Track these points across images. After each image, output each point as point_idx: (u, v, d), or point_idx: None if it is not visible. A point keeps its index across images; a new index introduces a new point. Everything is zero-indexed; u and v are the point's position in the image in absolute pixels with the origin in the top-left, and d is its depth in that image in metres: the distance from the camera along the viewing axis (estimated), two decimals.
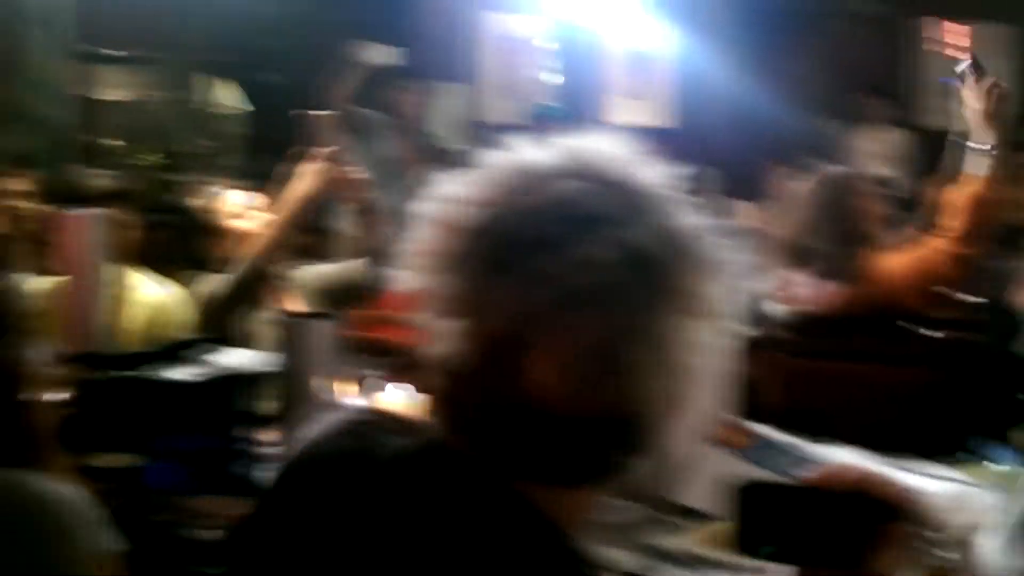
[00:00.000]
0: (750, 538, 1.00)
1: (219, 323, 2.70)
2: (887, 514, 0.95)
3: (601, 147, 0.90)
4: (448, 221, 0.88)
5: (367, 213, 2.81)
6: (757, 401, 2.25)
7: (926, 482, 1.85)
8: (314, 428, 1.00)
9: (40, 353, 1.41)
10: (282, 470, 0.99)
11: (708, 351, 0.86)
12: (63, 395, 1.74)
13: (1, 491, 1.25)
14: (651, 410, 0.85)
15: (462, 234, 0.87)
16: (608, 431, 0.86)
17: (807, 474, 1.01)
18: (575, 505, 0.90)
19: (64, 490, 1.28)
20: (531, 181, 0.88)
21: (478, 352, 0.85)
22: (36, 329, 1.41)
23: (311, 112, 2.74)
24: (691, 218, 0.88)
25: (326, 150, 2.67)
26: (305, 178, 2.67)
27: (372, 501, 0.89)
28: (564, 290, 0.82)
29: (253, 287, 2.68)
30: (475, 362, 0.85)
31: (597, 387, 0.83)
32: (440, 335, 0.86)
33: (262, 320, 2.79)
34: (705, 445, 1.84)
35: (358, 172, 2.73)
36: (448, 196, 0.89)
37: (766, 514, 0.99)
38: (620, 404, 0.84)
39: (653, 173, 0.90)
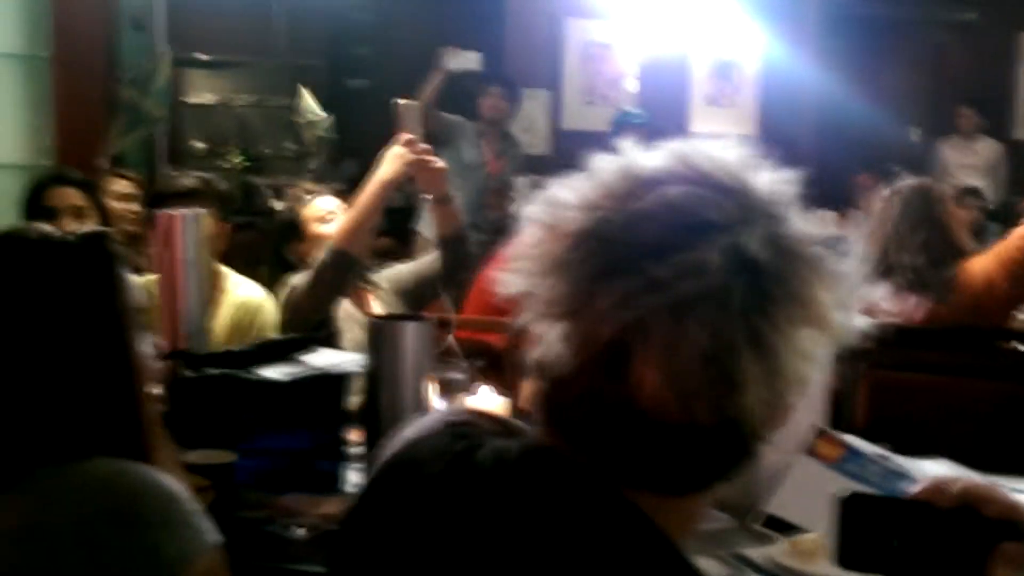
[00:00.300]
0: (851, 552, 0.98)
1: (303, 313, 2.72)
2: (1003, 531, 0.91)
3: (712, 152, 0.89)
4: (555, 224, 0.88)
5: (443, 204, 2.81)
6: (843, 413, 2.22)
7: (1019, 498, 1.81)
8: (412, 428, 1.01)
9: (149, 347, 1.44)
10: (381, 470, 0.99)
11: (816, 361, 0.85)
12: (160, 391, 1.77)
13: (109, 479, 1.28)
14: (758, 419, 0.84)
15: (569, 238, 0.86)
16: (715, 439, 0.85)
17: (909, 487, 0.98)
18: (681, 514, 0.89)
19: (170, 482, 1.31)
20: (640, 185, 0.87)
21: (582, 356, 0.84)
22: (145, 325, 1.45)
23: (399, 101, 2.75)
24: (803, 225, 0.87)
25: (408, 136, 2.68)
26: (385, 162, 2.68)
27: (475, 504, 0.89)
28: (671, 296, 0.81)
29: (335, 271, 2.69)
30: (578, 366, 0.85)
31: (703, 395, 0.82)
32: (543, 338, 0.86)
33: (349, 320, 2.82)
34: (796, 455, 1.82)
35: (438, 161, 2.73)
36: (555, 199, 0.89)
37: (869, 528, 0.97)
38: (727, 412, 0.83)
39: (765, 178, 0.88)
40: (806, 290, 0.84)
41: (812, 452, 1.82)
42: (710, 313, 0.81)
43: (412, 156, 2.66)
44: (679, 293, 0.81)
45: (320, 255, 2.73)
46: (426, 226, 5.09)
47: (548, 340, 0.86)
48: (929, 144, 7.06)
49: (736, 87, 7.01)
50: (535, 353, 0.87)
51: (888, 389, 2.77)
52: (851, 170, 6.11)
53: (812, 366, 0.85)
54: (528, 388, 2.24)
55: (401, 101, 2.75)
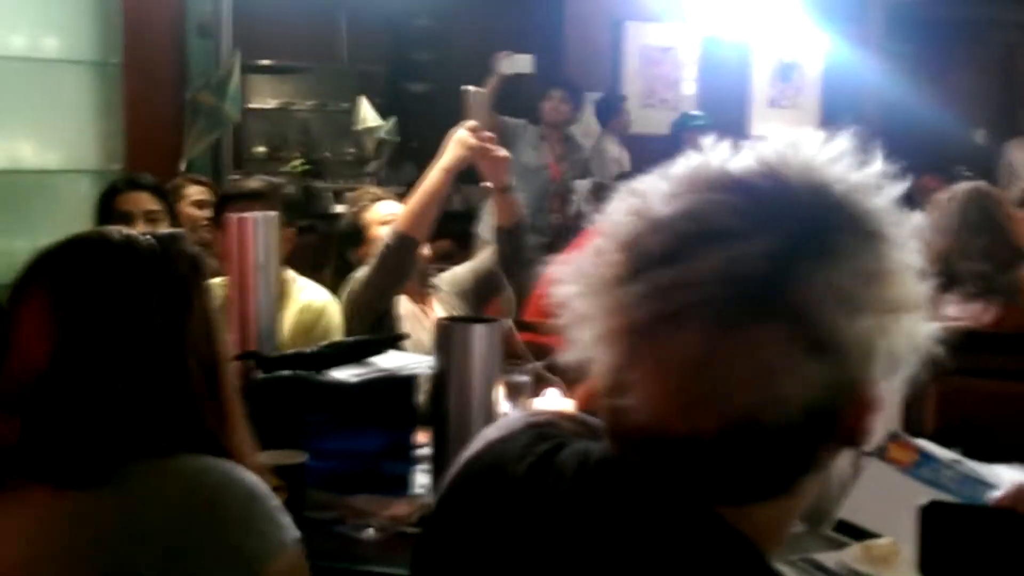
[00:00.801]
0: (934, 561, 0.97)
1: (366, 302, 2.73)
2: None
3: (793, 152, 0.88)
4: (600, 228, 0.89)
5: (504, 194, 2.80)
6: (914, 418, 2.20)
7: None
8: (493, 429, 1.01)
9: (228, 348, 1.47)
10: (463, 471, 0.99)
11: (823, 368, 0.81)
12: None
13: (194, 476, 1.31)
14: (778, 429, 0.82)
15: (603, 242, 0.88)
16: (734, 450, 0.84)
17: (986, 493, 0.97)
18: (757, 523, 0.88)
19: (252, 478, 1.33)
20: (674, 191, 0.87)
21: (597, 363, 0.86)
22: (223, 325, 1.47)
23: (468, 88, 2.76)
24: (835, 234, 0.83)
25: (473, 122, 2.68)
26: (449, 147, 2.69)
27: (559, 508, 0.89)
28: (663, 306, 0.82)
29: (398, 255, 2.70)
30: (602, 373, 0.86)
31: (698, 406, 0.82)
32: (574, 343, 0.87)
33: (414, 323, 2.83)
34: (866, 461, 1.81)
35: (501, 150, 2.73)
36: (605, 203, 0.90)
37: (952, 536, 0.96)
38: (730, 423, 0.82)
39: (844, 181, 0.86)
40: (807, 302, 0.81)
41: (885, 457, 1.80)
42: (697, 324, 0.81)
43: (476, 142, 2.67)
44: (669, 303, 0.81)
45: (382, 243, 2.74)
46: (486, 229, 5.11)
47: (579, 345, 0.87)
48: (998, 146, 6.96)
49: (798, 89, 6.96)
50: (571, 358, 0.88)
51: (959, 395, 2.74)
52: (916, 172, 6.03)
53: (822, 384, 0.82)
54: (578, 392, 2.23)
55: (470, 88, 2.76)
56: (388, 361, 2.14)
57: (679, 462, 0.85)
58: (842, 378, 0.83)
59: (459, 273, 3.05)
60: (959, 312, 3.22)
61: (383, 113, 6.58)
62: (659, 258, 0.83)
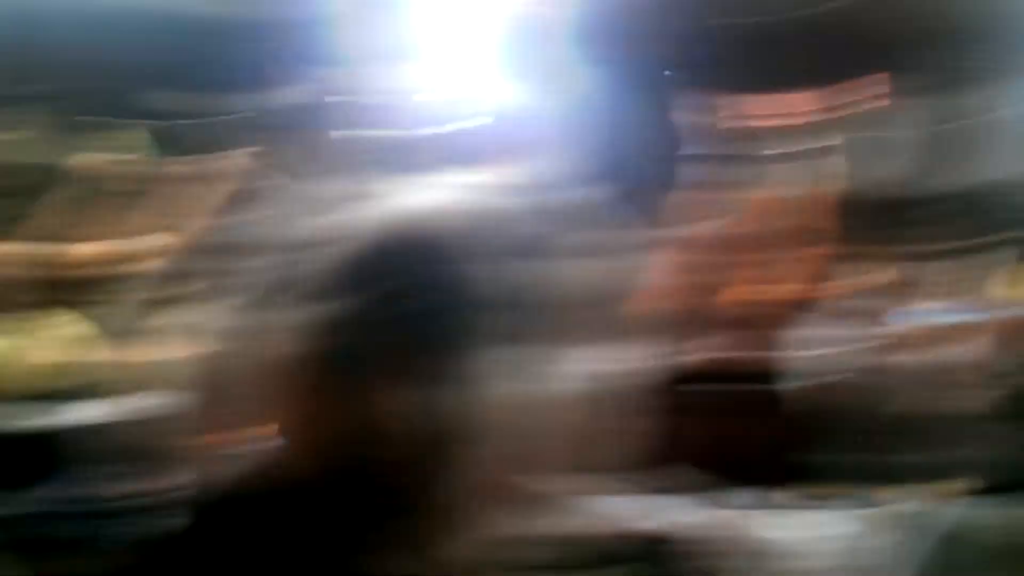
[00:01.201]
0: None
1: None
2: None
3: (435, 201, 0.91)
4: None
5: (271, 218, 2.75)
6: (636, 456, 2.25)
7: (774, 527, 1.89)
8: (220, 472, 1.02)
9: None
10: (194, 516, 0.97)
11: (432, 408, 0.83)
12: None
13: None
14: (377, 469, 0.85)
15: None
16: (353, 491, 0.85)
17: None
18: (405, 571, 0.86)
19: None
20: (350, 232, 0.89)
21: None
22: None
23: (224, 117, 2.71)
24: (444, 288, 0.85)
25: (239, 152, 2.64)
26: (225, 178, 2.63)
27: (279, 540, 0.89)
28: (289, 357, 0.87)
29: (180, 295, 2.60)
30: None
31: (311, 452, 0.88)
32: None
33: (152, 364, 2.73)
34: (507, 500, 1.80)
35: (275, 175, 2.69)
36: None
37: None
38: (340, 465, 0.85)
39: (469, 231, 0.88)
40: (415, 350, 0.83)
41: (561, 493, 1.80)
42: (307, 373, 0.87)
43: (245, 175, 2.62)
44: (306, 346, 0.87)
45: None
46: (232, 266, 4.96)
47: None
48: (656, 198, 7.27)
49: (520, 136, 7.13)
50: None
51: (675, 433, 2.81)
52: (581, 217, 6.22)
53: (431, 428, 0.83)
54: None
55: (225, 118, 2.71)
56: (100, 408, 2.06)
57: (311, 505, 0.87)
58: (456, 422, 0.83)
59: (215, 312, 2.96)
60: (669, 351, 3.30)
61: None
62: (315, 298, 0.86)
